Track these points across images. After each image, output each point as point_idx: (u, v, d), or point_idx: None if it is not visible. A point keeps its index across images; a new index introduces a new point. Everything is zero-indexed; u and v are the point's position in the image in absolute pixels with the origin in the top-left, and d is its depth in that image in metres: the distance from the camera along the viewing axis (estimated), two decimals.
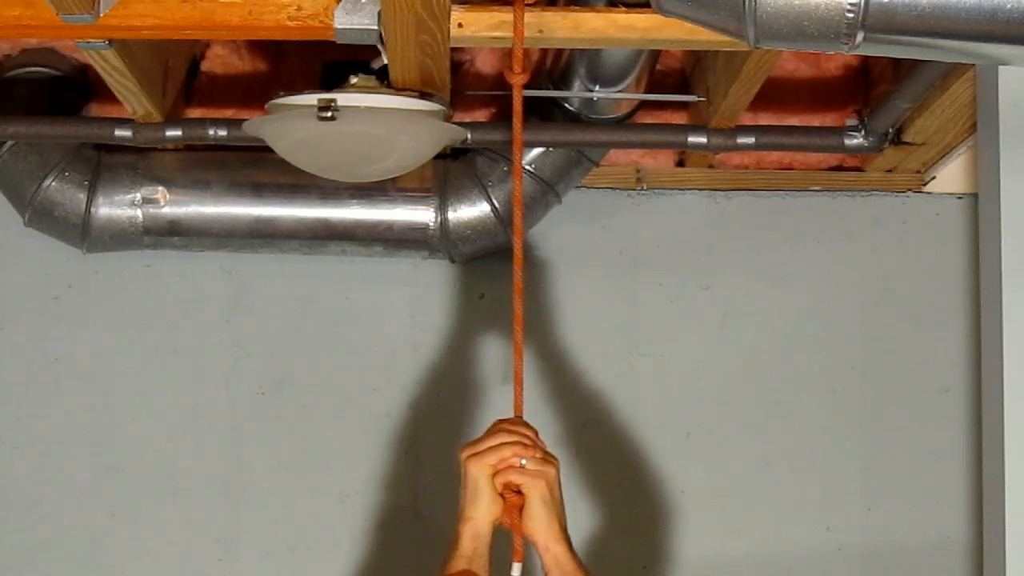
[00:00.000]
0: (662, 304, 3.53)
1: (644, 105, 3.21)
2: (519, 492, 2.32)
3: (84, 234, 3.32)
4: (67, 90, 3.25)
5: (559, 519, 2.33)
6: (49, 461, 3.46)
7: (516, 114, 2.42)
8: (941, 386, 3.53)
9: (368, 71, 2.69)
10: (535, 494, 2.31)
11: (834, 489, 3.51)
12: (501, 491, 2.31)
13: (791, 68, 3.26)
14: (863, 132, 3.17)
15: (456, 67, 3.18)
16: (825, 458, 3.52)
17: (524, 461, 2.31)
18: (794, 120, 3.30)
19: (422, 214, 3.34)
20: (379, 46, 2.49)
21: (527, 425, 2.36)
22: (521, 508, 2.31)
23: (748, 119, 3.17)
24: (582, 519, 3.47)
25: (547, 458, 2.33)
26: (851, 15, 2.03)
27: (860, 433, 3.52)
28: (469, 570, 2.30)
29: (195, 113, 3.30)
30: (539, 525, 2.31)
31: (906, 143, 3.25)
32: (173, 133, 3.10)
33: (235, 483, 3.47)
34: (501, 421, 2.37)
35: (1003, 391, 2.66)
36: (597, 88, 3.00)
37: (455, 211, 3.34)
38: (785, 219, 3.55)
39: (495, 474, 2.31)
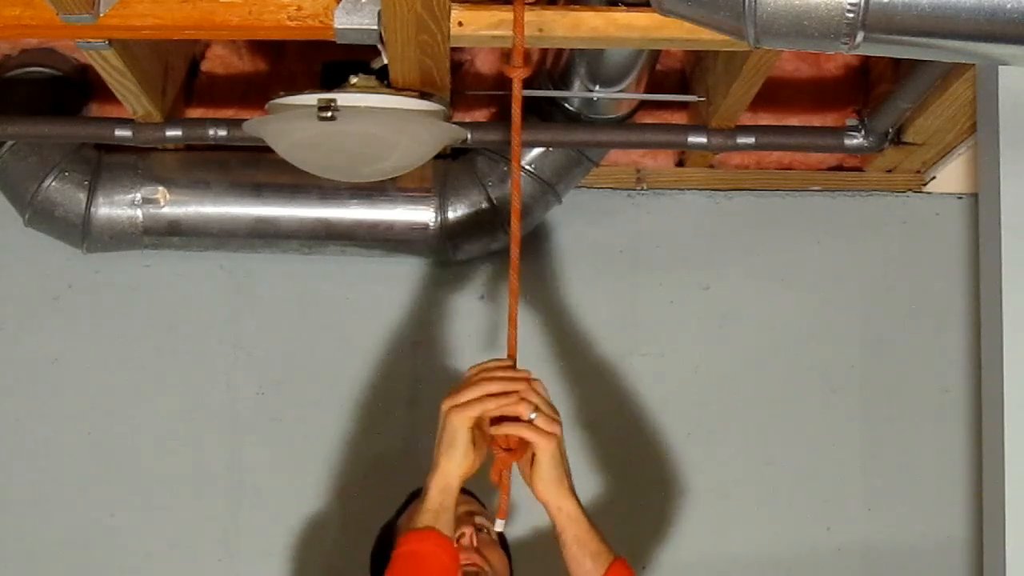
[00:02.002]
0: (662, 304, 3.53)
1: (644, 105, 3.21)
2: (509, 449, 2.29)
3: (84, 234, 3.32)
4: (67, 90, 3.25)
5: (568, 476, 2.30)
6: (49, 461, 3.46)
7: (515, 109, 2.42)
8: (941, 386, 3.53)
9: (368, 71, 2.68)
10: (546, 454, 2.25)
11: (834, 489, 3.51)
12: (495, 443, 2.28)
13: (791, 68, 3.26)
14: (863, 132, 3.17)
15: (456, 67, 3.18)
16: (825, 458, 3.52)
17: (534, 415, 2.25)
18: (794, 120, 3.30)
19: (422, 214, 3.34)
20: (379, 46, 2.49)
21: (516, 371, 2.29)
22: (510, 464, 2.28)
23: (748, 119, 3.17)
24: None
25: (554, 415, 2.27)
26: (851, 15, 2.03)
27: (860, 433, 3.52)
28: (434, 527, 2.25)
29: (195, 113, 3.30)
30: (551, 486, 2.27)
31: (906, 143, 3.25)
32: (173, 133, 3.10)
33: (235, 483, 3.47)
34: (487, 366, 2.31)
35: (1003, 391, 2.66)
36: (597, 88, 3.00)
37: (455, 211, 3.34)
38: (785, 219, 3.55)
39: (495, 424, 2.26)
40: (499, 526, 2.32)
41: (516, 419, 2.29)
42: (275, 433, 3.48)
